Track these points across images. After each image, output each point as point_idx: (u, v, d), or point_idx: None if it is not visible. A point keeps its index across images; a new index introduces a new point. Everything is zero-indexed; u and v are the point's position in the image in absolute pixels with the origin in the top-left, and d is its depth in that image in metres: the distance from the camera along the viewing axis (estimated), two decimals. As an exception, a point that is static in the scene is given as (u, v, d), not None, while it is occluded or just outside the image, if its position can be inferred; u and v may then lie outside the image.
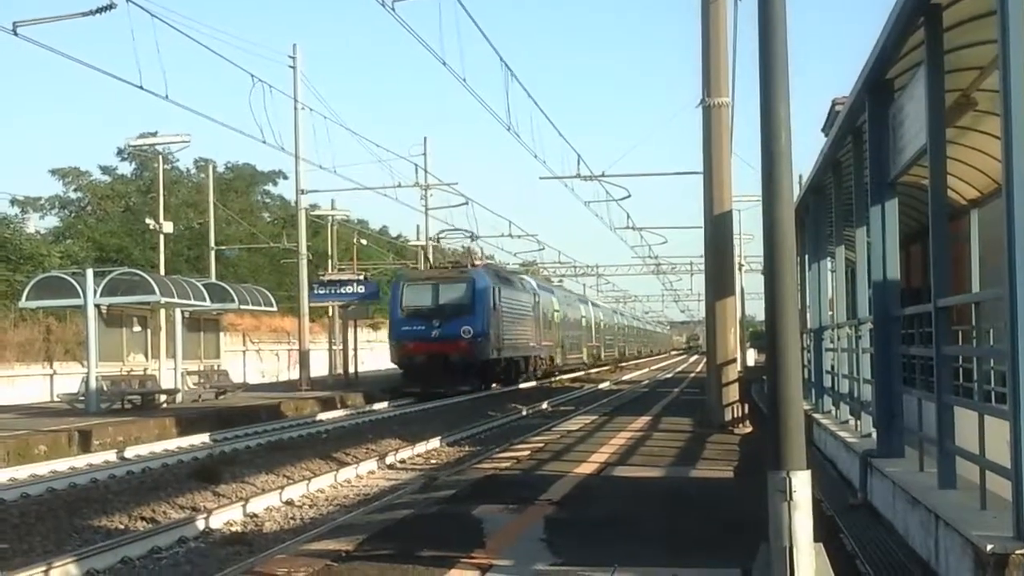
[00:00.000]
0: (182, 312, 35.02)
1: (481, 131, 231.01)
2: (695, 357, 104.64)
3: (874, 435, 12.04)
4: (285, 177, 77.86)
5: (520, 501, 11.79)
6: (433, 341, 41.87)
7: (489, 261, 61.28)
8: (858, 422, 14.37)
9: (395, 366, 45.39)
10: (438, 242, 56.04)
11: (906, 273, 17.35)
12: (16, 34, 21.54)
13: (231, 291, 37.92)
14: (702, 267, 31.18)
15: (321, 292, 48.83)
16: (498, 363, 45.73)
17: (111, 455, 22.30)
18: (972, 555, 6.80)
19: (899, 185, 12.13)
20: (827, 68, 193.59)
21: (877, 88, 11.47)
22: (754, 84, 6.36)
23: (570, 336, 66.25)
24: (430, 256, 54.02)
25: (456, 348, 41.77)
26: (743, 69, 21.17)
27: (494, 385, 45.83)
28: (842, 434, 14.57)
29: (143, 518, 15.44)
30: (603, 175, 41.86)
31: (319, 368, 50.05)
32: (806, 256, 20.69)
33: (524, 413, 34.24)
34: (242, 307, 39.37)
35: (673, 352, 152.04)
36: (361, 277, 51.65)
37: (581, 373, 64.09)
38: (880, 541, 9.76)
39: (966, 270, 15.96)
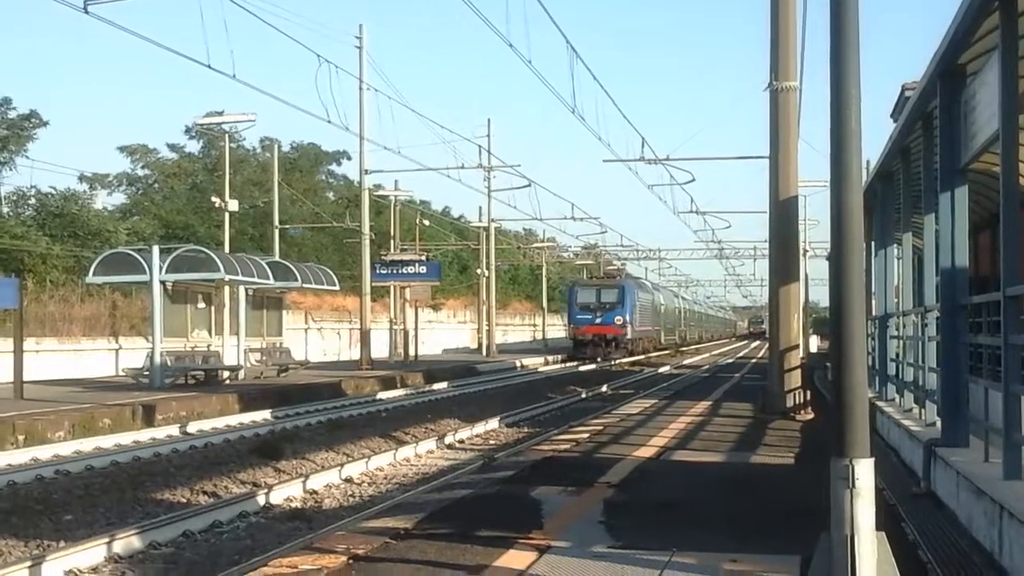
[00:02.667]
0: (246, 290, 35.31)
1: (545, 113, 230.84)
2: (757, 342, 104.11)
3: (939, 424, 11.90)
4: (349, 157, 78.51)
5: (579, 483, 11.78)
6: (596, 326, 62.09)
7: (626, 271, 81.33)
8: (922, 411, 14.22)
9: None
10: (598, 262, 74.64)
11: (975, 261, 17.10)
12: (87, 12, 21.79)
13: (294, 270, 38.18)
14: (766, 252, 30.95)
15: (383, 272, 49.17)
16: (633, 341, 65.24)
17: (174, 430, 22.58)
18: (1038, 548, 6.70)
19: (969, 172, 11.96)
20: (896, 53, 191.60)
21: (949, 73, 11.30)
22: (822, 68, 6.28)
23: (668, 323, 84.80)
24: (492, 236, 63.82)
25: (611, 330, 62.09)
26: (812, 53, 20.94)
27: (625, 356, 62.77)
28: (906, 422, 14.43)
29: (205, 492, 15.62)
30: (667, 159, 41.64)
31: (380, 348, 50.30)
32: (873, 243, 20.47)
33: (583, 396, 34.26)
34: (305, 286, 39.63)
35: (734, 337, 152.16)
36: (423, 257, 51.89)
37: (667, 352, 76.07)
38: (943, 531, 9.65)
39: (1036, 259, 15.71)
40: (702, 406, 23.36)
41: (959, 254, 11.25)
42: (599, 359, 59.05)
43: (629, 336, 63.36)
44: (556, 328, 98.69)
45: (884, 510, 7.88)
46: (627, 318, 62.84)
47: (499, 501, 11.05)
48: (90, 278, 33.21)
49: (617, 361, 58.55)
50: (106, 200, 67.64)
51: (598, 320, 62.14)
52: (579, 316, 63.01)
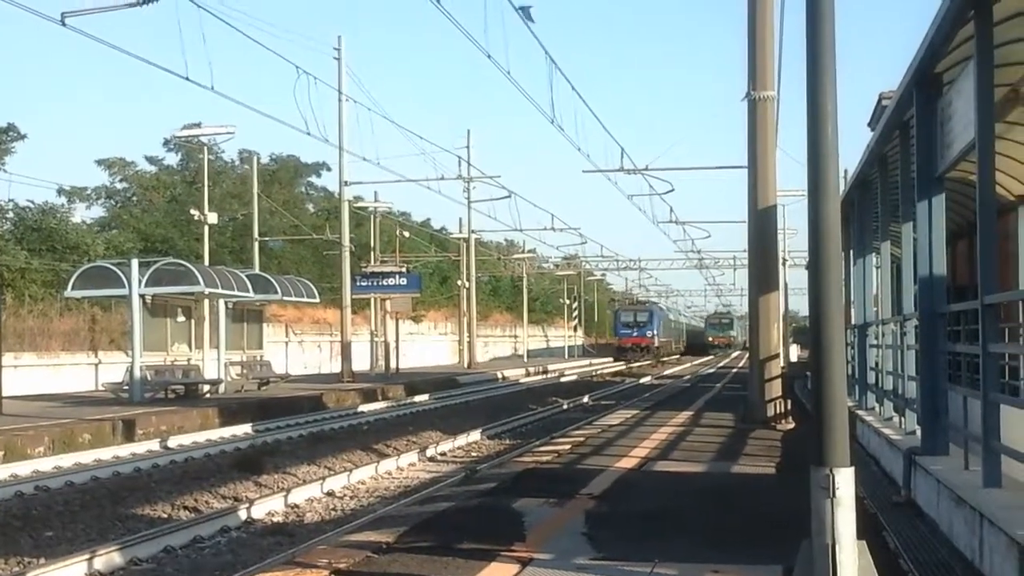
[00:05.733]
0: (226, 303, 35.21)
1: (525, 124, 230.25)
2: (736, 352, 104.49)
3: (918, 432, 11.94)
4: (329, 169, 78.01)
5: (561, 495, 11.78)
6: (634, 337, 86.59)
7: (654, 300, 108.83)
8: (902, 419, 14.25)
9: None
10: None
11: (952, 270, 17.18)
12: (64, 24, 21.72)
13: (274, 282, 38.09)
14: (745, 262, 31.02)
15: (364, 284, 49.07)
16: (659, 348, 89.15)
17: (155, 444, 22.49)
18: (1017, 554, 6.72)
19: (946, 180, 12.01)
20: (873, 62, 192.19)
21: (925, 82, 11.35)
22: (800, 78, 6.30)
23: (674, 334, 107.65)
24: (472, 247, 64.54)
25: (645, 341, 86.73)
26: (789, 63, 21.09)
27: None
28: (886, 431, 14.46)
29: (186, 507, 15.56)
30: (646, 169, 41.69)
31: (361, 360, 50.21)
32: (851, 251, 20.54)
33: (565, 407, 34.27)
34: (285, 298, 39.55)
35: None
36: (404, 269, 51.86)
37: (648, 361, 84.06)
38: (924, 539, 9.67)
39: (1013, 267, 15.78)
40: (683, 416, 23.38)
41: (937, 262, 11.30)
42: (635, 361, 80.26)
43: (656, 344, 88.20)
44: (536, 340, 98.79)
45: (865, 519, 7.90)
46: (655, 332, 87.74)
47: (481, 513, 11.04)
48: (69, 292, 33.05)
49: (640, 363, 78.43)
50: (84, 213, 67.27)
51: (635, 333, 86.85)
52: (622, 331, 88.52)
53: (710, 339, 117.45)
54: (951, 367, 12.01)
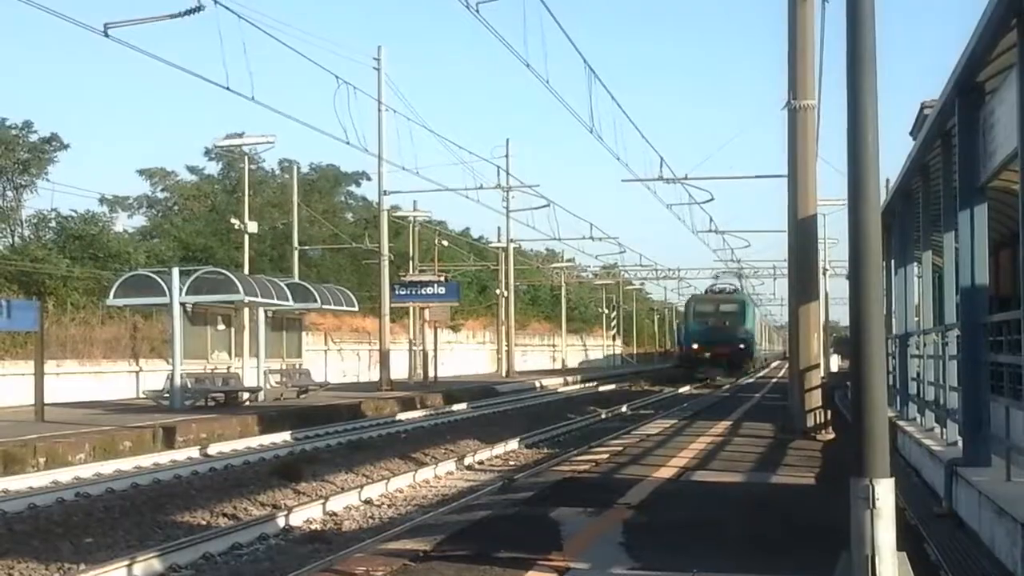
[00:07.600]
0: (265, 311, 35.35)
1: (563, 133, 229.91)
2: (776, 363, 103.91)
3: (960, 443, 11.83)
4: (368, 178, 78.19)
5: (598, 504, 11.75)
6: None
7: None
8: (944, 430, 14.13)
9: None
10: None
11: (995, 280, 17.02)
12: (107, 35, 21.89)
13: (313, 291, 38.22)
14: (785, 271, 30.88)
15: (402, 293, 49.16)
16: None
17: (194, 452, 22.60)
18: (1061, 568, 6.65)
19: (989, 190, 11.91)
20: (915, 70, 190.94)
21: (967, 91, 11.27)
22: (841, 86, 6.27)
23: None
24: (511, 256, 63.91)
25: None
26: (829, 71, 20.96)
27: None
28: (927, 442, 14.35)
29: (225, 515, 15.61)
30: (686, 178, 41.54)
31: (399, 369, 50.31)
32: (892, 261, 20.41)
33: (603, 416, 34.20)
34: (324, 307, 39.66)
35: None
36: (442, 278, 51.92)
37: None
38: (965, 551, 9.58)
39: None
40: (722, 426, 23.29)
41: (979, 272, 11.20)
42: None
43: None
44: (575, 349, 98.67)
45: (905, 530, 7.84)
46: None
47: (518, 522, 11.03)
48: (110, 300, 33.26)
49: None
50: (126, 223, 67.73)
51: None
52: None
53: (696, 348, 64.35)
54: (993, 378, 11.91)
